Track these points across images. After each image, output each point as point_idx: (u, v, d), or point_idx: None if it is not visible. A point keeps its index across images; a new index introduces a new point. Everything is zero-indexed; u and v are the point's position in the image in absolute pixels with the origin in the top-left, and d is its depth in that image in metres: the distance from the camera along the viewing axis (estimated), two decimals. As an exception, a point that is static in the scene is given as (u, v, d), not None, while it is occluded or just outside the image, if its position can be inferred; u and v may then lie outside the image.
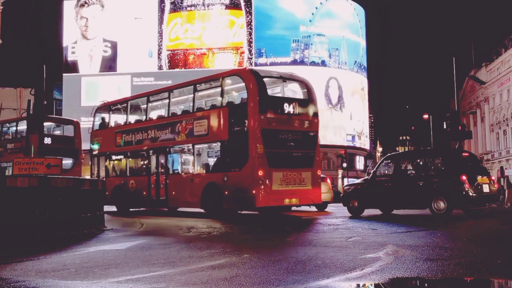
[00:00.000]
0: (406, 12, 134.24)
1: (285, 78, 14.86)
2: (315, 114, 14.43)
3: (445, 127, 34.97)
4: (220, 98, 14.36)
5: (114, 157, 18.27)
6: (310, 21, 56.52)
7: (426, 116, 51.76)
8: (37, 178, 8.64)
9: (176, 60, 56.40)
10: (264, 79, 13.76)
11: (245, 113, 13.21)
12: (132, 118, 18.10)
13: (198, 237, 8.71)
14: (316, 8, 56.91)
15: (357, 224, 10.64)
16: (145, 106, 17.39)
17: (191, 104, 15.41)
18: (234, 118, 13.62)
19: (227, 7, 55.16)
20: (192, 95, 15.40)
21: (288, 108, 13.49)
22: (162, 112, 16.70)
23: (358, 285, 4.54)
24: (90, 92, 56.22)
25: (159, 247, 7.19)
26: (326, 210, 16.88)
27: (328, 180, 17.37)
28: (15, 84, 52.63)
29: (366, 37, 63.14)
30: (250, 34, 54.59)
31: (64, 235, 8.48)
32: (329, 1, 57.71)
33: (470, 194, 11.79)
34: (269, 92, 13.99)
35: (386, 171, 13.96)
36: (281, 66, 55.20)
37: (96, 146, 18.55)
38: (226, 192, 13.37)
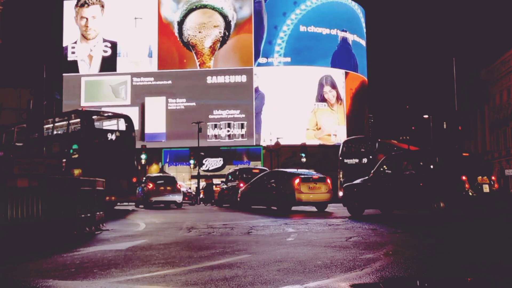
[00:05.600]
0: (407, 12, 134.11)
1: (111, 116, 22.33)
2: (132, 140, 21.22)
3: (445, 127, 35.00)
4: (67, 128, 20.72)
5: None
6: (310, 21, 56.54)
7: (426, 116, 51.75)
8: (37, 178, 8.63)
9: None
10: (94, 117, 21.04)
11: (79, 139, 19.66)
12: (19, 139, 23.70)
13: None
14: (316, 8, 56.92)
15: (357, 224, 10.63)
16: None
17: (51, 131, 21.75)
18: (75, 142, 19.71)
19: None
20: (52, 125, 21.81)
21: (110, 136, 20.04)
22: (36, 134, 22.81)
23: (358, 285, 4.54)
24: (90, 92, 56.21)
25: (159, 247, 7.19)
26: (326, 210, 16.86)
27: (328, 180, 17.35)
28: (15, 84, 52.64)
29: (366, 37, 63.14)
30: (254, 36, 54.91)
31: (64, 235, 8.48)
32: (329, 1, 57.72)
33: (470, 194, 11.77)
34: (105, 124, 21.35)
35: (386, 171, 13.93)
36: (281, 67, 55.30)
37: None
38: None
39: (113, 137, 20.09)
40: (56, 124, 21.88)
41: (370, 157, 27.11)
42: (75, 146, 19.52)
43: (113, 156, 19.74)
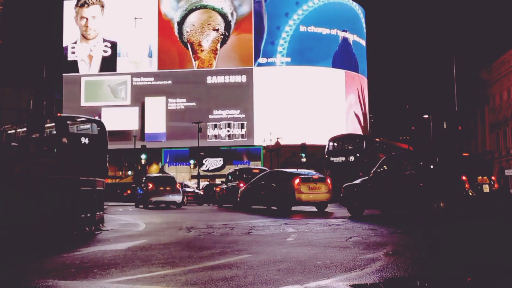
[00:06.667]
0: (407, 12, 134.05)
1: (84, 121, 23.73)
2: (105, 144, 22.29)
3: (445, 127, 34.69)
4: (44, 130, 21.92)
5: None
6: (310, 21, 56.52)
7: (426, 116, 51.75)
8: (37, 178, 8.63)
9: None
10: (68, 122, 22.37)
11: (56, 141, 20.90)
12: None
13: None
14: (318, 8, 56.93)
15: (357, 224, 10.63)
16: (15, 131, 24.64)
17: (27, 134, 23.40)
18: (53, 143, 20.88)
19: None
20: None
21: (84, 140, 21.45)
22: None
23: (358, 285, 4.54)
24: (90, 92, 56.18)
25: (159, 247, 7.19)
26: (326, 210, 16.86)
27: (328, 180, 17.34)
28: (15, 84, 52.67)
29: (366, 37, 63.15)
30: (255, 37, 54.88)
31: (64, 235, 8.48)
32: (329, 1, 57.72)
33: (470, 194, 11.76)
34: (80, 127, 22.77)
35: (386, 171, 13.92)
36: (280, 66, 55.26)
37: None
38: None
39: (87, 140, 21.62)
40: None
41: (358, 155, 26.43)
42: (55, 147, 20.73)
43: (86, 158, 20.93)
